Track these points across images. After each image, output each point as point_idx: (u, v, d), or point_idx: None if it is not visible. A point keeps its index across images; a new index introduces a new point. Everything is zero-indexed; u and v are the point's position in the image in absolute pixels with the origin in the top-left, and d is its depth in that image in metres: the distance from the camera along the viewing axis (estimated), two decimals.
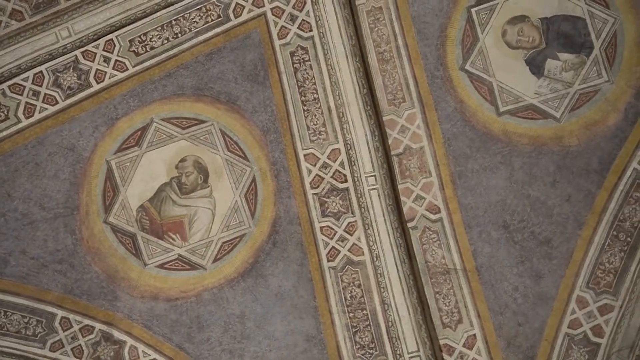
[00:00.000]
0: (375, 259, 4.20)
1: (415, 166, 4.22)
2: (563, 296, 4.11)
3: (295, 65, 4.21)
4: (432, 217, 4.21)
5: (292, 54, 4.21)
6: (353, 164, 4.21)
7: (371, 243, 4.20)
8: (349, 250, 4.22)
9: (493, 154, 4.18)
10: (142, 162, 4.24)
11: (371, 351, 4.19)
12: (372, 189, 4.20)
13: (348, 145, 4.21)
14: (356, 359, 4.20)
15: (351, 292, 4.21)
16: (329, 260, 4.22)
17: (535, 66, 4.14)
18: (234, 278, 4.24)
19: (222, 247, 4.25)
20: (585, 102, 4.10)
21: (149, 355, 4.17)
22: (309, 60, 4.20)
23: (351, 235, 4.22)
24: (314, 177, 4.23)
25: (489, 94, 4.18)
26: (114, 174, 4.22)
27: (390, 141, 4.22)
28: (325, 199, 4.23)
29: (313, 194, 4.23)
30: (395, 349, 4.16)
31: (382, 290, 4.19)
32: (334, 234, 4.23)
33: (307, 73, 4.20)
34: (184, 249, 4.24)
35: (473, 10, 4.16)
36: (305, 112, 4.21)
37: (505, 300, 4.16)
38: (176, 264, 4.23)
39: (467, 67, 4.20)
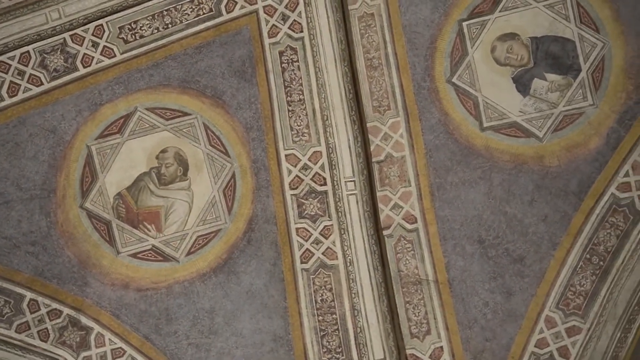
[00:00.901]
0: (348, 264, 4.16)
1: (395, 175, 4.19)
2: (532, 315, 4.07)
3: (283, 65, 4.16)
4: (408, 226, 4.18)
5: (281, 54, 4.16)
6: (333, 167, 4.16)
7: (346, 248, 4.16)
8: (323, 253, 4.17)
9: (473, 169, 4.14)
10: (122, 149, 4.19)
11: (338, 356, 4.15)
12: (351, 194, 4.16)
13: (330, 149, 4.16)
14: None
15: (322, 295, 4.17)
16: (302, 262, 4.18)
17: (522, 84, 4.11)
18: (206, 273, 4.19)
19: (197, 241, 4.20)
20: (568, 123, 4.07)
21: (115, 343, 4.12)
22: (297, 61, 4.15)
23: (326, 238, 4.17)
24: (294, 177, 4.18)
25: (474, 109, 4.15)
26: (93, 159, 4.17)
27: (372, 148, 4.19)
28: (303, 200, 4.19)
29: (291, 194, 4.19)
30: (362, 355, 4.12)
31: (353, 295, 4.15)
32: (310, 236, 4.19)
33: (295, 74, 4.16)
34: (158, 240, 4.18)
35: (464, 23, 4.13)
36: (290, 113, 4.17)
37: (475, 315, 4.13)
38: (149, 255, 4.18)
39: (454, 80, 4.16)
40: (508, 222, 4.14)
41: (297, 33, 4.15)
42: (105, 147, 4.17)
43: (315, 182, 4.17)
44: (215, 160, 4.20)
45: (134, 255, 4.17)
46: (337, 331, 4.15)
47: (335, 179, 4.16)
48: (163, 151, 4.19)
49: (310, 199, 4.18)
